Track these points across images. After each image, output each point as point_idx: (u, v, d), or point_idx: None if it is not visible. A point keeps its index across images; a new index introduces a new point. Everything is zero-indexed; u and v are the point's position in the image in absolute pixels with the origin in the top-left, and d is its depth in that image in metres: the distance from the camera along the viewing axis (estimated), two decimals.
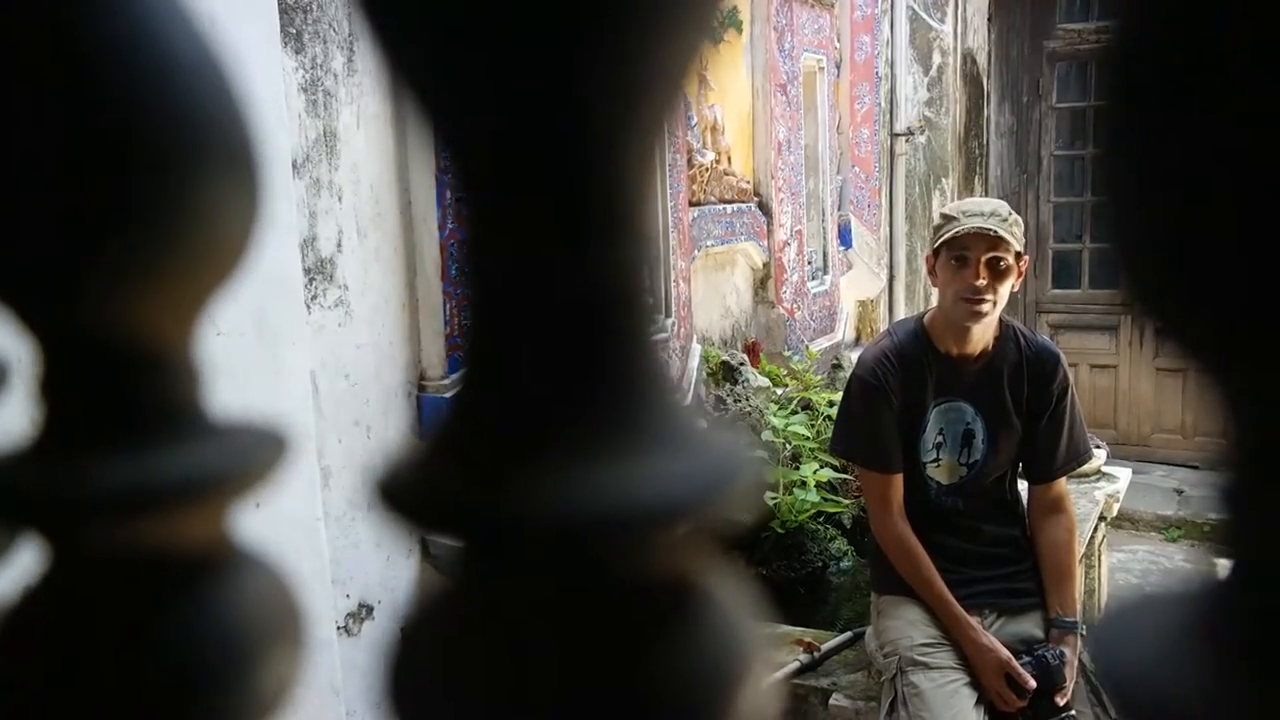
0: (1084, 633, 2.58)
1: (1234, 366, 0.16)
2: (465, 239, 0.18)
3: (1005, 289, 2.44)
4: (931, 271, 2.55)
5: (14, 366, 0.29)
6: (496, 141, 0.17)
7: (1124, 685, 0.15)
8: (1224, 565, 0.18)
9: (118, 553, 0.22)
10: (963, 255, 2.40)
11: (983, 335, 2.51)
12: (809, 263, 4.83)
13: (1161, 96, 0.15)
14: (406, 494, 0.18)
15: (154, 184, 0.21)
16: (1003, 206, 2.47)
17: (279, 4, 2.15)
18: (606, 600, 0.18)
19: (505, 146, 0.17)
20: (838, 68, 5.02)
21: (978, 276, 2.38)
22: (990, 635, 2.47)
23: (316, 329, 2.35)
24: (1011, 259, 2.41)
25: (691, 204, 3.85)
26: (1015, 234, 2.41)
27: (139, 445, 0.22)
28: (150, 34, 0.22)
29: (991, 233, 2.36)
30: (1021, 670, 2.40)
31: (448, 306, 2.63)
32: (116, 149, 0.21)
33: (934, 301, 2.67)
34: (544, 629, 0.18)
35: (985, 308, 2.41)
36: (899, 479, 2.56)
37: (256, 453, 0.23)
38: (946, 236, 2.42)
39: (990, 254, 2.39)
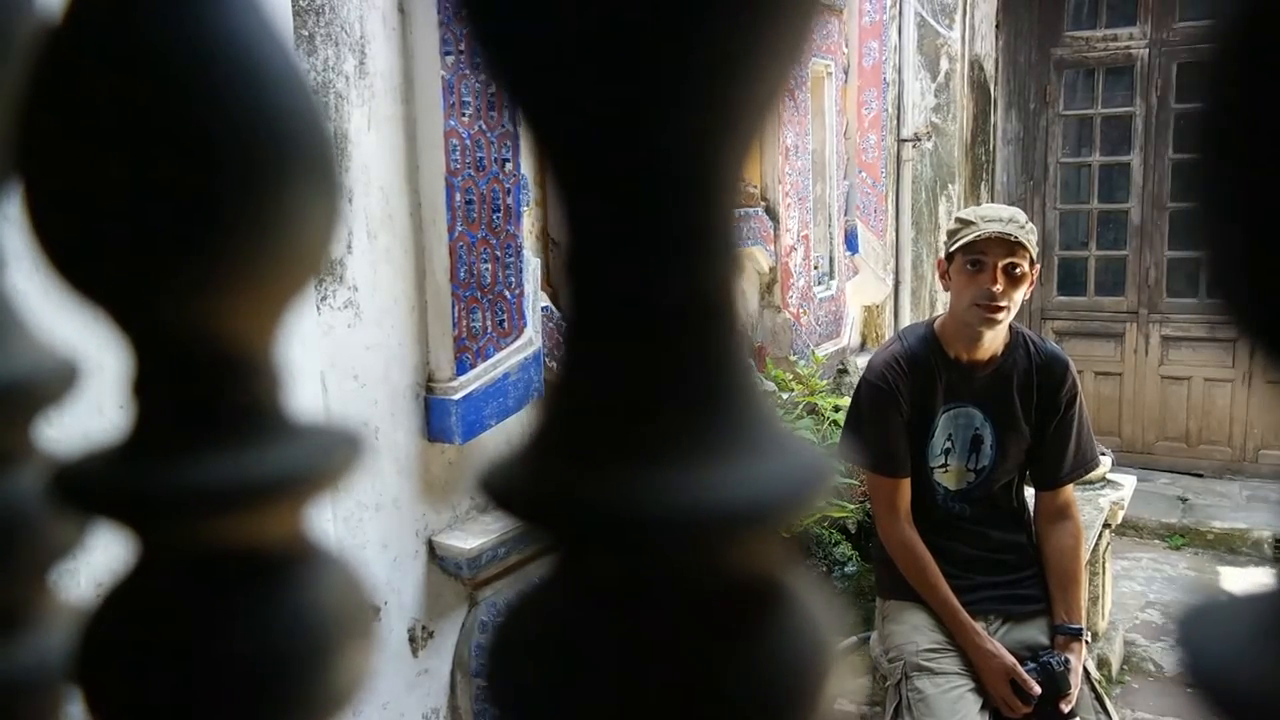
0: (1089, 640, 2.58)
1: None
2: (565, 247, 0.18)
3: (1019, 296, 2.44)
4: (943, 275, 2.55)
5: (88, 368, 0.30)
6: (600, 157, 0.18)
7: (1219, 681, 0.16)
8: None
9: (203, 547, 0.23)
10: (979, 260, 2.40)
11: (993, 341, 2.51)
12: (815, 268, 4.83)
13: (1269, 102, 0.15)
14: (506, 486, 0.19)
15: (241, 194, 0.22)
16: (1020, 214, 2.47)
17: (292, 6, 2.16)
18: (692, 594, 0.18)
19: (607, 163, 0.18)
20: (845, 73, 5.01)
21: (994, 282, 2.38)
22: (995, 641, 2.48)
23: (325, 330, 2.36)
24: (1027, 266, 2.41)
25: None
26: (1031, 241, 2.42)
27: (224, 445, 0.23)
28: (238, 49, 0.22)
29: (1011, 238, 2.36)
30: (1026, 676, 2.40)
31: (456, 309, 2.63)
32: (206, 160, 0.22)
33: (940, 307, 2.67)
34: (632, 620, 0.18)
35: (1000, 314, 2.41)
36: (906, 484, 2.56)
37: (333, 453, 0.24)
38: (964, 241, 2.41)
39: (1007, 260, 2.39)
